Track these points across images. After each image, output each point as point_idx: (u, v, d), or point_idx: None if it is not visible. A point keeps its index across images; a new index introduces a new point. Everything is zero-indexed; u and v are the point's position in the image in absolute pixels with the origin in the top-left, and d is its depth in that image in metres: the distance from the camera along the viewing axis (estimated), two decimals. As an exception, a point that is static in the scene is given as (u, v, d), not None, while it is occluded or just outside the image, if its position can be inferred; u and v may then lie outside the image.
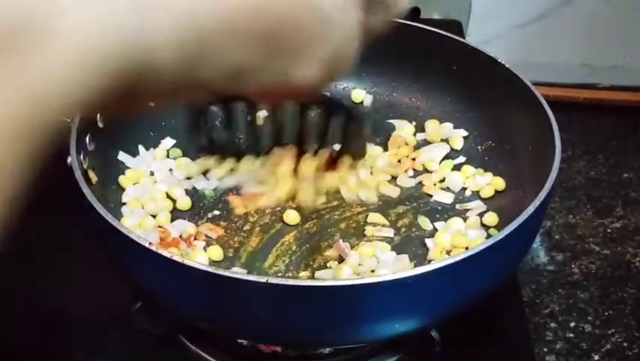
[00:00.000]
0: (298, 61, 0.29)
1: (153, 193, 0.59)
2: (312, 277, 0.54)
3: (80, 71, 0.22)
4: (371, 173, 0.63)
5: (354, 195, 0.60)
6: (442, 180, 0.63)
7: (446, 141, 0.67)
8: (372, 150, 0.65)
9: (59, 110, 0.22)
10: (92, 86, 0.22)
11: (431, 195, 0.62)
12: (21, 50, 0.20)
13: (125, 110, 0.28)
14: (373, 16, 0.34)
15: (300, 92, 0.32)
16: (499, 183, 0.62)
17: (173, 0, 0.24)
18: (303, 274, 0.54)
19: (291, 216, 0.59)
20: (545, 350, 0.59)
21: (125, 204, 0.58)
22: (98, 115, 0.57)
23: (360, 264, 0.55)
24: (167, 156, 0.63)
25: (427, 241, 0.57)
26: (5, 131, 0.20)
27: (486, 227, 0.58)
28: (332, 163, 0.53)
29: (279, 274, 0.54)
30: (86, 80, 0.22)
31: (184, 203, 0.59)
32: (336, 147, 0.52)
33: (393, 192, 0.62)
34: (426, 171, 0.65)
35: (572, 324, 0.61)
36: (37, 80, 0.21)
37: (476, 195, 0.62)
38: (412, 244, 0.58)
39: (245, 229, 0.58)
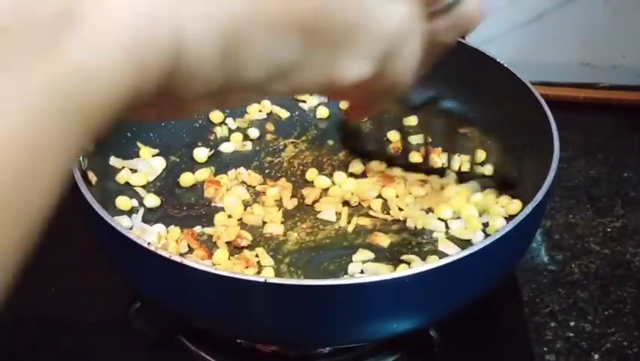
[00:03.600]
0: (341, 56, 0.28)
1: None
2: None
3: (111, 62, 0.21)
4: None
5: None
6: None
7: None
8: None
9: (93, 109, 0.21)
10: (130, 83, 0.22)
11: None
12: (56, 37, 0.20)
13: (173, 114, 0.27)
14: (440, 27, 0.33)
15: (366, 92, 0.32)
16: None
17: None
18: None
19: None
20: (545, 349, 0.59)
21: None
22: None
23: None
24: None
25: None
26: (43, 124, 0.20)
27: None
28: None
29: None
30: (117, 72, 0.21)
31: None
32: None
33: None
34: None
35: (572, 323, 0.61)
36: (66, 71, 0.20)
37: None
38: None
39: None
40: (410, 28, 0.31)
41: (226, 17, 0.24)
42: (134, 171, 0.61)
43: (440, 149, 0.65)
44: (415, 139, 0.67)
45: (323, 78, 0.28)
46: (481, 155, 0.64)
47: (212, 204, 0.60)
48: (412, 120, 0.68)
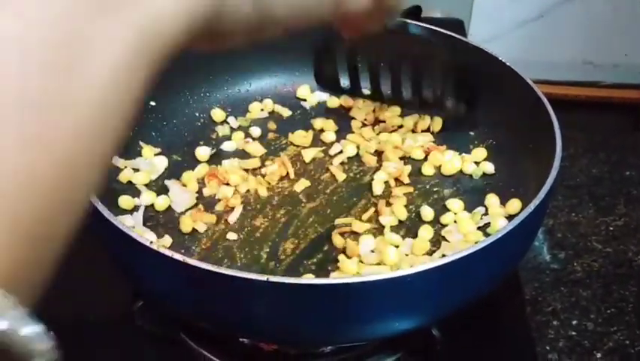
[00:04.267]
0: None
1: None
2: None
3: (174, 9, 0.25)
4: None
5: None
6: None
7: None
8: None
9: (163, 45, 0.25)
10: (183, 24, 0.26)
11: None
12: None
13: (210, 48, 0.31)
14: None
15: (373, 17, 0.37)
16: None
17: None
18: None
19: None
20: (547, 348, 0.59)
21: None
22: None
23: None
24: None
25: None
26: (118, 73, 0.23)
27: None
28: None
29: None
30: (178, 17, 0.25)
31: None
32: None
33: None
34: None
35: (575, 322, 0.61)
36: (148, 17, 0.24)
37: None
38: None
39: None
40: None
41: None
42: (136, 170, 0.61)
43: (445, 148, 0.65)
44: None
45: (332, 9, 0.33)
46: (481, 153, 0.64)
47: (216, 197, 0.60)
48: None
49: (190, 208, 0.59)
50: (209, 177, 0.62)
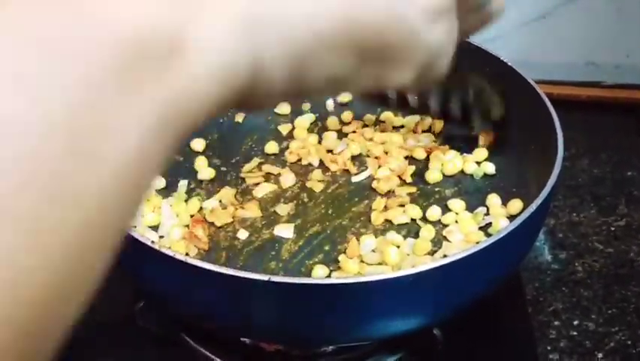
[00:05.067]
0: (389, 69, 0.32)
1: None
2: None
3: (206, 86, 0.23)
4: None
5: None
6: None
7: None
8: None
9: (191, 119, 0.23)
10: (214, 100, 0.24)
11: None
12: (157, 67, 0.21)
13: (241, 111, 0.31)
14: (469, 23, 0.37)
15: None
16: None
17: (278, 17, 0.26)
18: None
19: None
20: (549, 348, 0.59)
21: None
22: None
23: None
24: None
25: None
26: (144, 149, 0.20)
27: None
28: None
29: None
30: (210, 94, 0.23)
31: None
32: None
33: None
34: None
35: (576, 322, 0.61)
36: (174, 94, 0.22)
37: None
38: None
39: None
40: (449, 40, 0.34)
41: (296, 44, 0.27)
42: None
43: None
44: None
45: (370, 85, 0.32)
46: (483, 153, 0.64)
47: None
48: None
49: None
50: (194, 223, 0.57)
